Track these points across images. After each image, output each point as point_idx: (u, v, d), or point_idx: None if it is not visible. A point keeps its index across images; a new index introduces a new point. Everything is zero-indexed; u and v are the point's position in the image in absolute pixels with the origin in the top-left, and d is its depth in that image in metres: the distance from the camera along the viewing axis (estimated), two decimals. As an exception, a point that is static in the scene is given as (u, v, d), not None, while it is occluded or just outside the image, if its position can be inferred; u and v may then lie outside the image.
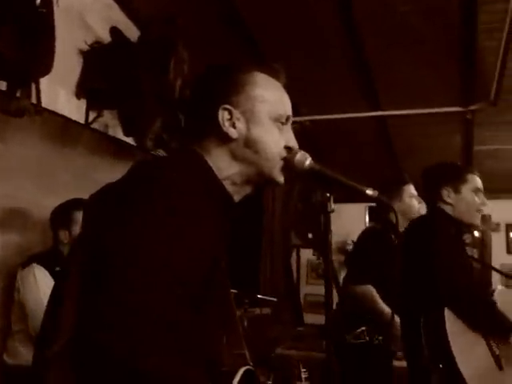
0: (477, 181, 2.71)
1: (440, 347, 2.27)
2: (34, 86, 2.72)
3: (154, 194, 1.15)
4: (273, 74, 1.41)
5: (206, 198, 1.27)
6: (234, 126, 1.34)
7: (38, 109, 2.77)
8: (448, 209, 2.66)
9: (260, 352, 4.01)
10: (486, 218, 6.36)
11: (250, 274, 4.80)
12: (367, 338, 3.16)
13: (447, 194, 2.66)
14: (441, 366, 2.25)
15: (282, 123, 1.38)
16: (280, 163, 1.35)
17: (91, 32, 3.30)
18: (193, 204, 1.20)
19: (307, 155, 1.37)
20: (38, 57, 2.33)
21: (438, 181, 2.71)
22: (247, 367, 1.31)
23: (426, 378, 2.31)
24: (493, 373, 2.37)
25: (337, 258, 6.40)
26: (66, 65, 3.14)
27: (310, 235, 5.17)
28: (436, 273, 2.32)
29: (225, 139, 1.34)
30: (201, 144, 1.36)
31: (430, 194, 2.75)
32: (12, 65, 2.27)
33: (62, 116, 3.03)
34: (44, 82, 2.87)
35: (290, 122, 1.41)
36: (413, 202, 3.38)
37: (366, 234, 3.51)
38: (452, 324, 2.30)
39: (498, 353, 2.40)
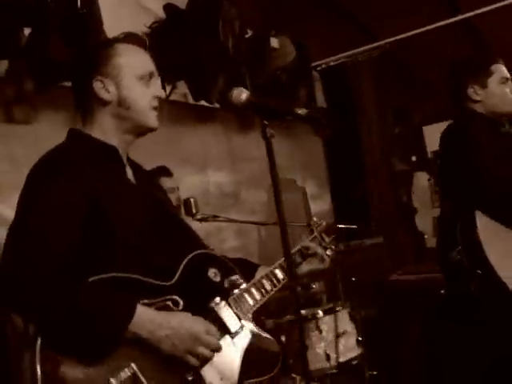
0: (502, 70, 2.58)
1: (475, 253, 2.25)
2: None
3: (35, 179, 1.60)
4: (132, 41, 1.75)
5: (87, 159, 1.64)
6: (107, 91, 1.69)
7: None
8: (478, 107, 2.55)
9: (374, 279, 4.14)
10: None
11: (360, 205, 4.90)
12: None
13: (474, 92, 2.55)
14: (479, 271, 2.24)
15: (148, 79, 1.73)
16: (152, 112, 1.72)
17: (150, 14, 3.57)
18: (72, 172, 1.59)
19: (244, 90, 1.61)
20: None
21: (461, 80, 2.59)
22: (199, 251, 1.71)
23: (465, 285, 2.31)
24: None
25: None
26: (134, 49, 3.45)
27: (413, 158, 5.08)
28: (469, 179, 2.30)
29: (104, 103, 1.70)
30: (88, 113, 1.74)
31: (456, 96, 2.64)
32: (67, 65, 2.60)
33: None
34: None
35: (155, 76, 1.76)
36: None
37: None
38: (485, 229, 2.27)
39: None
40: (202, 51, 3.21)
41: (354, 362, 2.48)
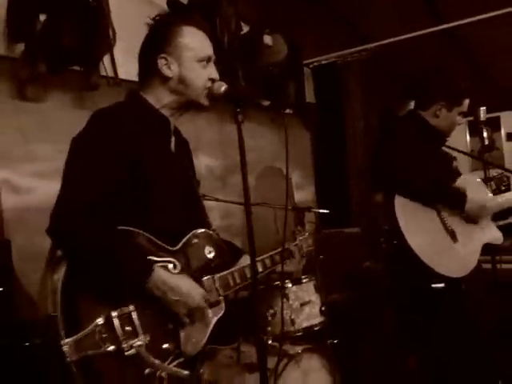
0: (466, 105, 2.94)
1: (392, 225, 2.71)
2: (110, 62, 3.40)
3: (92, 126, 1.85)
4: (196, 25, 1.97)
5: (140, 120, 1.88)
6: (170, 68, 1.91)
7: (116, 80, 3.43)
8: (431, 119, 2.88)
9: (349, 267, 4.46)
10: None
11: (341, 196, 5.22)
12: None
13: (439, 109, 2.87)
14: (395, 242, 2.76)
15: (206, 62, 1.95)
16: (204, 91, 1.95)
17: (154, 7, 3.85)
18: (124, 127, 1.84)
19: (223, 83, 1.94)
20: (96, 41, 2.94)
21: (435, 94, 2.89)
22: (204, 230, 2.00)
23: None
24: (446, 244, 2.75)
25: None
26: (138, 38, 3.73)
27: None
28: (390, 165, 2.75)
29: (164, 78, 1.94)
30: (148, 83, 1.96)
31: (423, 103, 2.94)
32: (79, 52, 2.90)
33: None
34: (120, 56, 3.50)
35: (212, 60, 1.98)
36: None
37: None
38: (402, 206, 2.72)
39: (452, 228, 2.70)
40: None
41: (317, 328, 2.82)
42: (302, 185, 5.33)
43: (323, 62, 5.22)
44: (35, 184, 3.06)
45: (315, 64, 5.27)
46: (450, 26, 4.59)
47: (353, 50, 5.04)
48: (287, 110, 4.95)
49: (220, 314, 1.96)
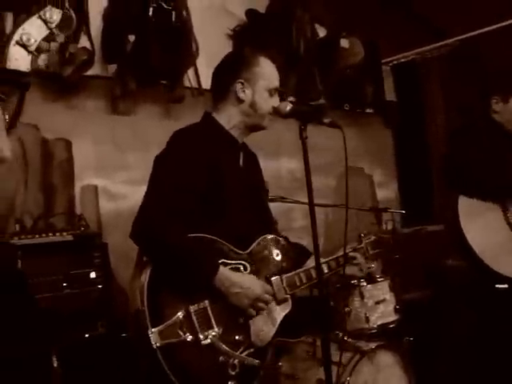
0: None
1: (455, 228, 2.77)
2: (195, 74, 3.64)
3: (173, 145, 2.11)
4: (270, 57, 2.20)
5: (212, 142, 2.11)
6: (244, 92, 2.14)
7: (200, 91, 3.67)
8: (496, 116, 2.86)
9: (431, 265, 4.44)
10: None
11: (424, 194, 5.19)
12: None
13: (496, 103, 2.86)
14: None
15: (273, 92, 2.17)
16: (268, 116, 2.17)
17: (234, 17, 4.06)
18: (200, 145, 2.08)
19: (288, 103, 2.12)
20: (181, 57, 3.19)
21: (488, 90, 2.88)
22: (271, 235, 2.21)
23: None
24: (510, 244, 2.73)
25: None
26: (220, 48, 3.95)
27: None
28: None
29: (238, 101, 2.17)
30: (221, 104, 2.20)
31: (483, 102, 2.93)
32: (165, 68, 3.16)
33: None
34: (202, 66, 3.73)
35: (277, 91, 2.19)
36: None
37: None
38: (466, 206, 2.77)
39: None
40: (276, 52, 3.63)
41: (391, 326, 2.90)
42: (385, 183, 5.35)
43: (402, 60, 5.22)
44: (128, 190, 3.36)
45: (394, 62, 5.27)
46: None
47: (432, 46, 5.00)
48: (367, 110, 5.01)
49: (287, 311, 2.16)
